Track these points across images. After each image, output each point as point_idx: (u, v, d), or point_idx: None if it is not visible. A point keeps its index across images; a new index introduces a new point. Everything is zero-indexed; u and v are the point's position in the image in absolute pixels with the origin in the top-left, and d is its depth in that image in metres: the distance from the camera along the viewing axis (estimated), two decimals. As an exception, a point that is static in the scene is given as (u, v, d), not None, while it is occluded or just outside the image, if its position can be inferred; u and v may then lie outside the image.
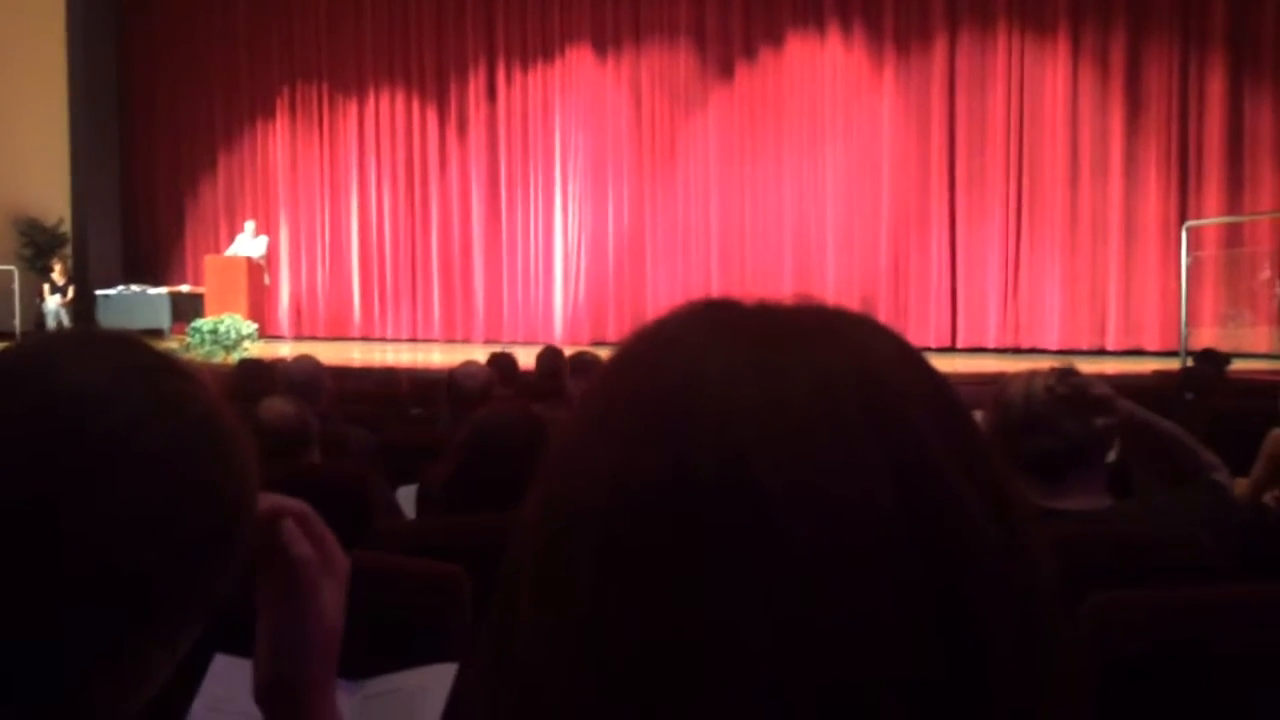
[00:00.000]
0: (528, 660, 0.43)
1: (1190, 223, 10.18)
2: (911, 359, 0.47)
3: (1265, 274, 9.99)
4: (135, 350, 0.71)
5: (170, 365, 0.71)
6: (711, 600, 0.40)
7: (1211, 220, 10.38)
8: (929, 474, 0.43)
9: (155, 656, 0.68)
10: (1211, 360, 5.86)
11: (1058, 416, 2.02)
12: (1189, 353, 9.18)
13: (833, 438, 0.42)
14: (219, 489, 0.68)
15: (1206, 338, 9.36)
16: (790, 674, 0.40)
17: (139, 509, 0.64)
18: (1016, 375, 2.16)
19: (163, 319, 12.72)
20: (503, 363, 5.85)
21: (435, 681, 1.36)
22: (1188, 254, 9.84)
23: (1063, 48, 10.98)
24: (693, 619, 0.40)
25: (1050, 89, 11.06)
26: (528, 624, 0.44)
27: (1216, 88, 10.54)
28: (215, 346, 10.59)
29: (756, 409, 0.42)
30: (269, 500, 0.77)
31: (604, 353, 6.27)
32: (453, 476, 2.36)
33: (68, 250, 13.68)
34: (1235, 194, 10.52)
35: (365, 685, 1.36)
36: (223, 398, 0.73)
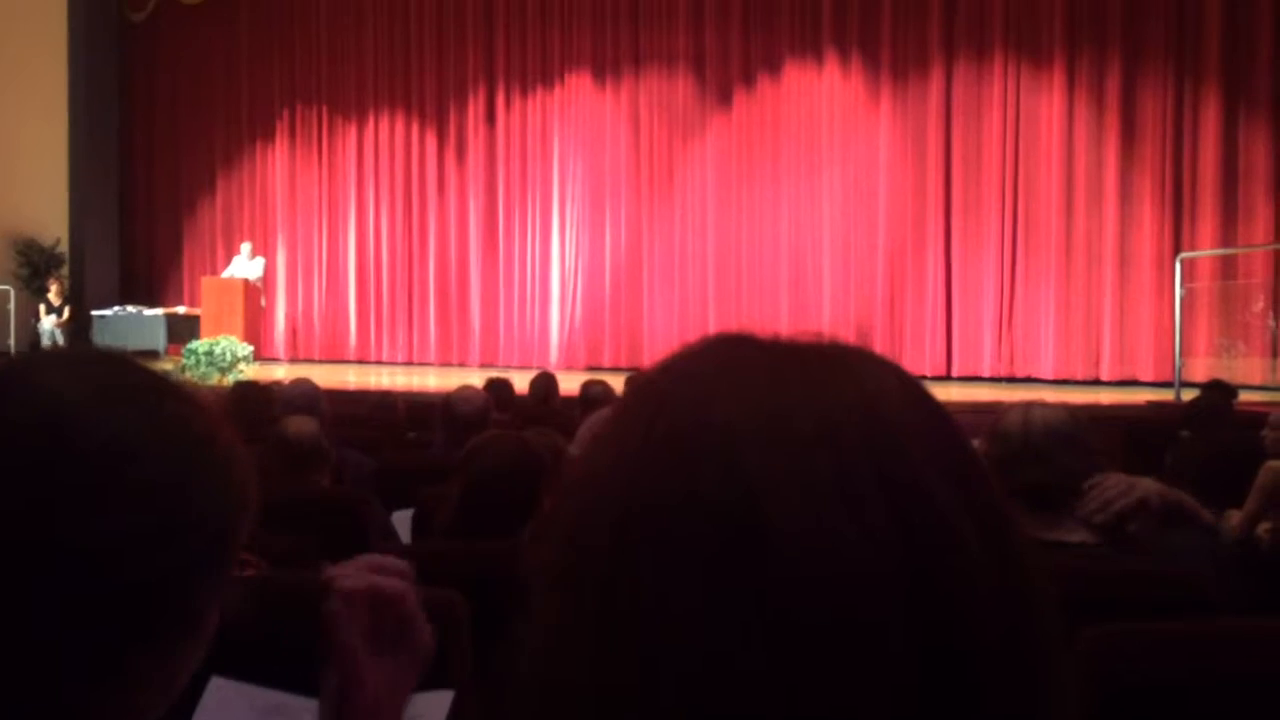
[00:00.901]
0: (549, 658, 0.46)
1: (1184, 254, 10.23)
2: (913, 393, 0.49)
3: (1259, 306, 10.03)
4: (127, 369, 0.71)
5: (163, 385, 0.71)
6: (709, 623, 0.42)
7: (1206, 252, 10.43)
8: (924, 504, 0.44)
9: (152, 673, 0.68)
10: (1220, 391, 5.86)
11: (1054, 449, 2.02)
12: (1185, 383, 9.21)
13: (832, 469, 0.44)
14: (209, 508, 0.68)
15: (1201, 369, 9.39)
16: (778, 687, 0.42)
17: (129, 525, 0.64)
18: (1013, 406, 2.16)
19: (158, 340, 12.70)
20: (499, 388, 5.85)
21: (431, 708, 1.36)
22: (1182, 285, 9.87)
23: (1058, 78, 11.06)
24: (692, 637, 0.42)
25: (1046, 119, 11.13)
26: (548, 629, 0.47)
27: (1211, 120, 10.62)
28: (210, 368, 10.58)
29: (761, 441, 0.44)
30: (355, 578, 0.78)
31: (605, 378, 6.30)
32: (455, 509, 2.36)
33: (64, 270, 13.68)
34: (1229, 226, 10.57)
35: None
36: (222, 419, 0.73)
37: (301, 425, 3.13)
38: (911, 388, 0.49)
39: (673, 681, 0.43)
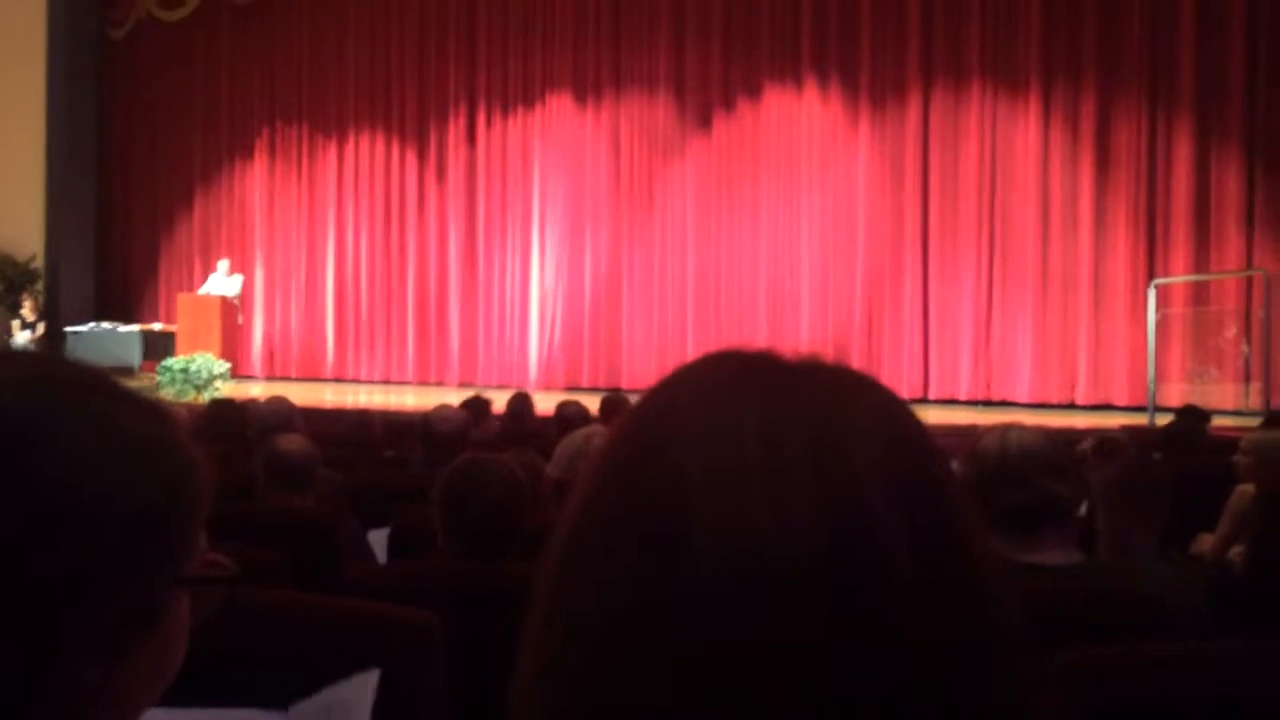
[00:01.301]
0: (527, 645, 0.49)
1: (1158, 280, 10.33)
2: (885, 411, 0.50)
3: (1231, 332, 10.13)
4: (57, 366, 0.71)
5: (96, 382, 0.70)
6: (637, 619, 0.45)
7: (1179, 278, 10.54)
8: (855, 513, 0.45)
9: (103, 685, 0.66)
10: (1193, 416, 5.91)
11: (1031, 472, 2.03)
12: (1159, 408, 9.28)
13: (769, 482, 0.45)
14: (129, 501, 0.66)
15: (1175, 394, 9.47)
16: (683, 675, 0.43)
17: (29, 514, 0.63)
18: (991, 428, 2.16)
19: (134, 356, 12.61)
20: (476, 406, 5.84)
21: (359, 690, 1.36)
22: (1156, 311, 9.97)
23: (1034, 106, 11.18)
24: (629, 630, 0.45)
25: (1022, 146, 11.24)
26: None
27: (1183, 148, 10.75)
28: (186, 386, 10.51)
29: (704, 441, 0.47)
30: None
31: (584, 398, 6.30)
32: (439, 532, 2.36)
33: (39, 286, 13.58)
34: (1202, 253, 10.69)
35: (293, 710, 1.35)
36: (169, 419, 0.72)
37: (294, 442, 3.12)
38: (886, 408, 0.50)
39: (611, 671, 0.45)
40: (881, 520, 0.45)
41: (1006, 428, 2.13)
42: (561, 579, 0.48)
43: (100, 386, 0.71)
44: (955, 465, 2.05)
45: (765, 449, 0.46)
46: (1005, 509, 2.00)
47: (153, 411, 0.71)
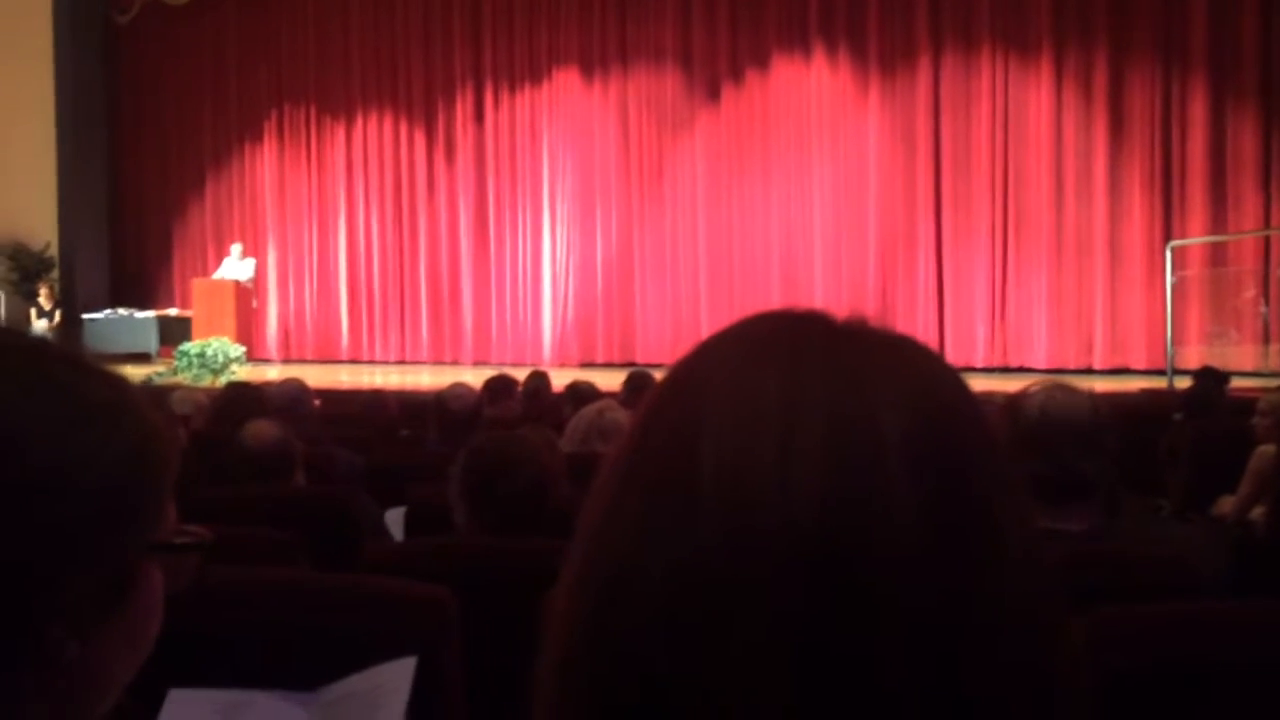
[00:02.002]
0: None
1: (1175, 242, 10.25)
2: (918, 382, 0.48)
3: (1250, 293, 10.05)
4: (10, 337, 0.70)
5: (50, 352, 0.69)
6: (636, 563, 0.45)
7: (1196, 240, 10.45)
8: (875, 496, 0.43)
9: (69, 649, 0.65)
10: (1212, 378, 5.87)
11: (1066, 447, 1.97)
12: (1178, 371, 9.23)
13: (780, 440, 0.44)
14: (86, 469, 0.65)
15: (1192, 356, 9.40)
16: (673, 624, 0.43)
17: (6, 487, 0.62)
18: (1037, 388, 2.07)
19: (150, 342, 12.67)
20: (497, 384, 5.84)
21: (394, 678, 1.36)
22: (1173, 273, 9.89)
23: (1046, 69, 11.06)
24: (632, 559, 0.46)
25: (1034, 110, 11.14)
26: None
27: (1198, 108, 10.63)
28: (203, 370, 10.55)
29: (721, 404, 0.46)
30: None
31: (598, 374, 6.30)
32: (462, 510, 2.35)
33: (55, 274, 13.64)
34: (1219, 213, 10.59)
35: (322, 693, 1.35)
36: (132, 389, 0.71)
37: (261, 432, 3.08)
38: (926, 377, 0.49)
39: (610, 616, 0.45)
40: (898, 495, 0.43)
41: (1053, 390, 2.05)
42: (582, 524, 0.49)
43: (55, 354, 0.69)
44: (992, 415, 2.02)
45: (783, 406, 0.45)
46: (1038, 478, 1.97)
47: (110, 378, 0.70)
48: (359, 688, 1.35)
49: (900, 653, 0.42)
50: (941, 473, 0.45)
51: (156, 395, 4.24)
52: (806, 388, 0.46)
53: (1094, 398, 2.11)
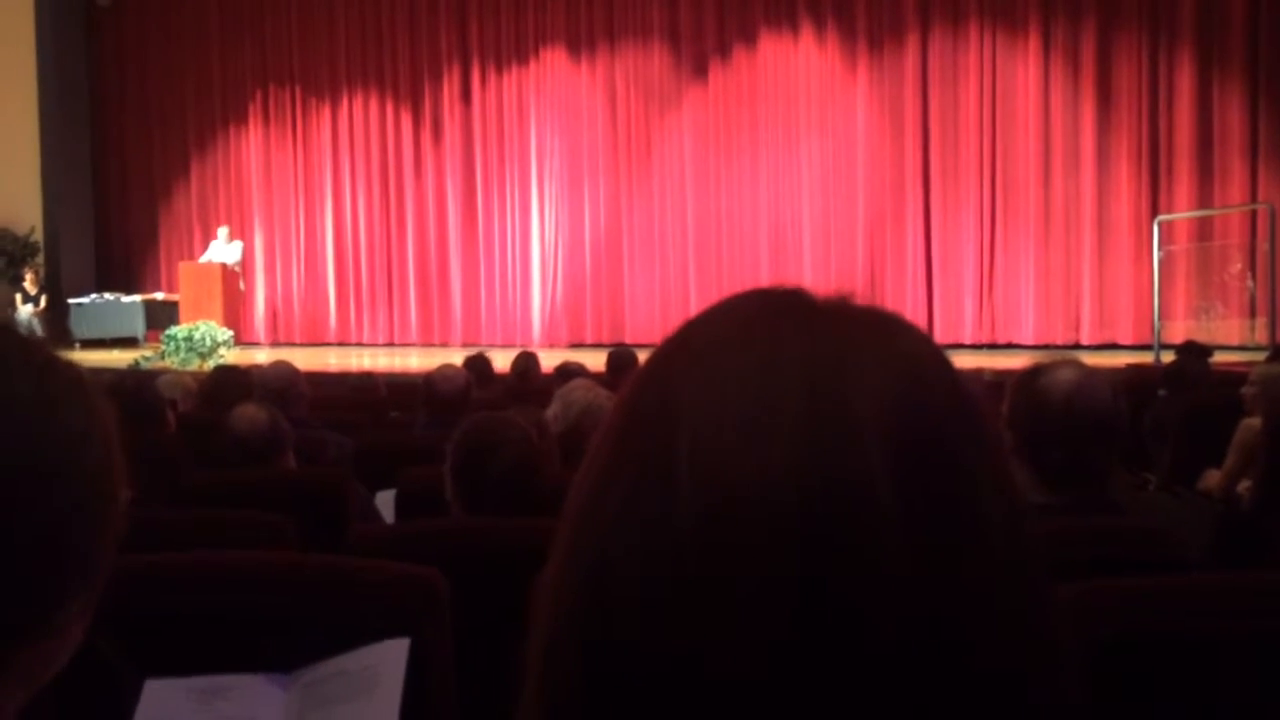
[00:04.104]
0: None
1: (1162, 217, 10.27)
2: (899, 361, 0.48)
3: (1236, 267, 10.08)
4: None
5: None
6: (616, 547, 0.45)
7: (1183, 215, 10.47)
8: (852, 476, 0.43)
9: (69, 624, 0.65)
10: (1194, 353, 5.90)
11: (1086, 441, 1.93)
12: (1164, 345, 9.26)
13: (756, 420, 0.44)
14: (86, 458, 0.64)
15: (1179, 331, 9.44)
16: (650, 608, 0.43)
17: None
18: (1059, 373, 1.99)
19: (137, 327, 12.61)
20: (478, 364, 5.84)
21: (387, 657, 1.35)
22: (1160, 248, 9.92)
23: (1034, 44, 11.05)
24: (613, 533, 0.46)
25: (1022, 85, 11.13)
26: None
27: (1186, 82, 10.64)
28: (191, 354, 10.51)
29: (699, 385, 0.46)
30: None
31: (588, 354, 6.31)
32: (452, 492, 2.35)
33: (40, 259, 13.55)
34: (1205, 188, 10.62)
35: (303, 673, 1.35)
36: (57, 371, 0.67)
37: (250, 416, 3.07)
38: (909, 356, 0.48)
39: (590, 601, 0.46)
40: (874, 470, 0.43)
41: (1081, 380, 1.97)
42: (567, 509, 0.49)
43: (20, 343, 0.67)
44: (1005, 386, 1.97)
45: (760, 386, 0.45)
46: (1041, 459, 1.95)
47: (46, 370, 0.67)
48: (349, 666, 1.35)
49: (888, 629, 0.42)
50: (919, 446, 0.45)
51: (139, 384, 4.21)
52: (783, 367, 0.46)
53: (1114, 383, 2.04)
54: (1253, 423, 3.76)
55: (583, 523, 0.47)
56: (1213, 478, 3.97)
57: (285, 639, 1.38)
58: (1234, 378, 5.66)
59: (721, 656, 0.42)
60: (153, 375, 5.44)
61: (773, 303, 0.50)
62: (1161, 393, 5.21)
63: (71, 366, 0.69)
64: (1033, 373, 2.03)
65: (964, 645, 0.43)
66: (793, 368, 0.46)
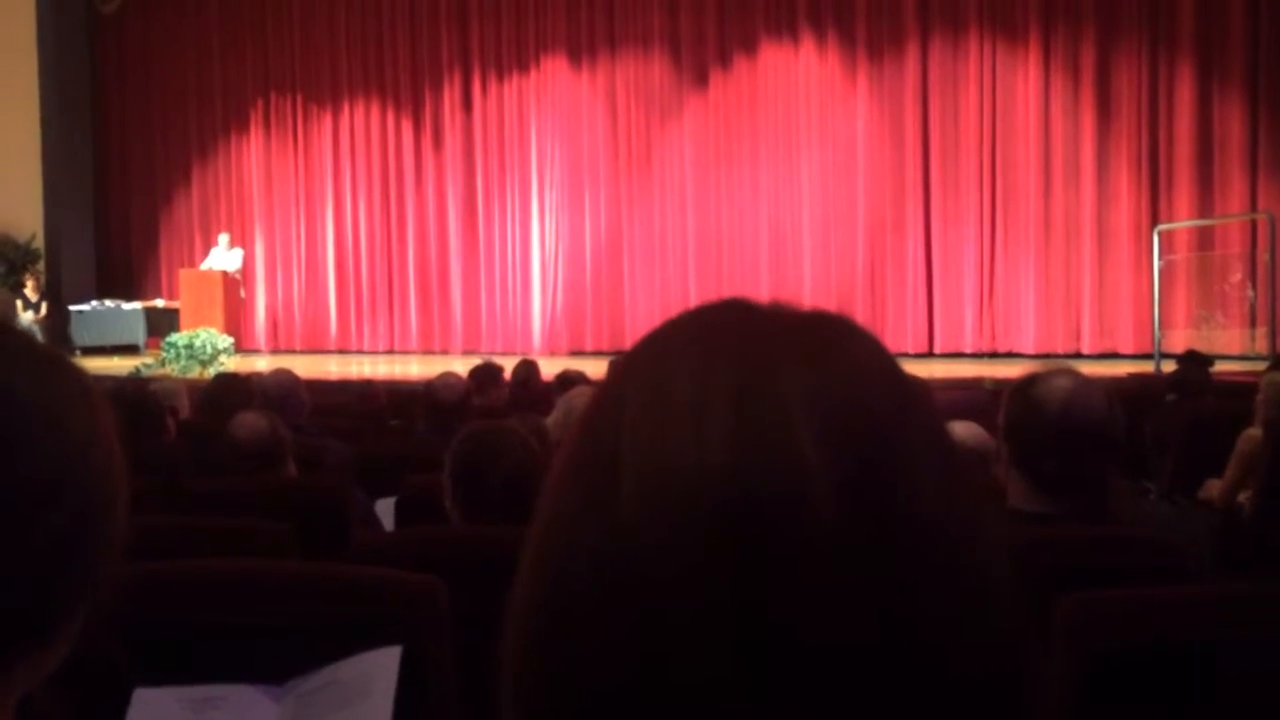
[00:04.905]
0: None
1: (1162, 226, 10.28)
2: (833, 356, 0.48)
3: (1236, 276, 10.09)
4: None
5: None
6: (567, 553, 0.46)
7: (1183, 224, 10.48)
8: (782, 465, 0.44)
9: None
10: (1196, 362, 5.90)
11: (1082, 450, 1.94)
12: (1165, 355, 9.26)
13: (691, 417, 0.45)
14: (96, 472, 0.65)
15: (1180, 340, 9.44)
16: (599, 613, 0.44)
17: None
18: (1056, 382, 1.99)
19: (137, 334, 12.62)
20: (483, 373, 5.84)
21: (380, 666, 1.36)
22: (1160, 257, 9.93)
23: (1034, 53, 11.07)
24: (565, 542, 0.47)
25: (1022, 94, 11.15)
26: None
27: (1186, 92, 10.66)
28: (191, 361, 10.51)
29: (641, 389, 0.48)
30: None
31: (588, 362, 6.31)
32: (451, 500, 2.36)
33: (40, 266, 13.56)
34: (1205, 197, 10.63)
35: (295, 683, 1.35)
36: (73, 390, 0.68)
37: (251, 423, 3.08)
38: (844, 351, 0.49)
39: (545, 608, 0.47)
40: (805, 463, 0.44)
41: (1078, 389, 1.96)
42: (534, 518, 0.50)
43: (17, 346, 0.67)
44: (1002, 394, 1.97)
45: (694, 384, 0.46)
46: (1037, 467, 1.95)
47: (54, 377, 0.67)
48: (341, 676, 1.35)
49: (825, 624, 0.43)
50: (856, 445, 0.45)
51: (139, 392, 4.21)
52: (716, 367, 0.46)
53: (1109, 391, 2.04)
54: (1254, 433, 3.76)
55: (544, 529, 0.48)
56: (1213, 488, 3.96)
57: (285, 647, 1.38)
58: (1235, 387, 5.67)
59: (680, 650, 0.43)
60: (147, 382, 5.43)
61: (715, 311, 0.51)
62: (1170, 397, 5.21)
63: (77, 372, 0.69)
64: (1028, 381, 2.03)
65: (904, 647, 0.43)
66: (725, 368, 0.46)
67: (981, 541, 0.47)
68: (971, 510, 0.47)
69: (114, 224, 14.40)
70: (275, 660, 1.38)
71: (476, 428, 2.49)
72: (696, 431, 0.45)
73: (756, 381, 0.46)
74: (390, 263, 13.34)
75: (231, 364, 10.38)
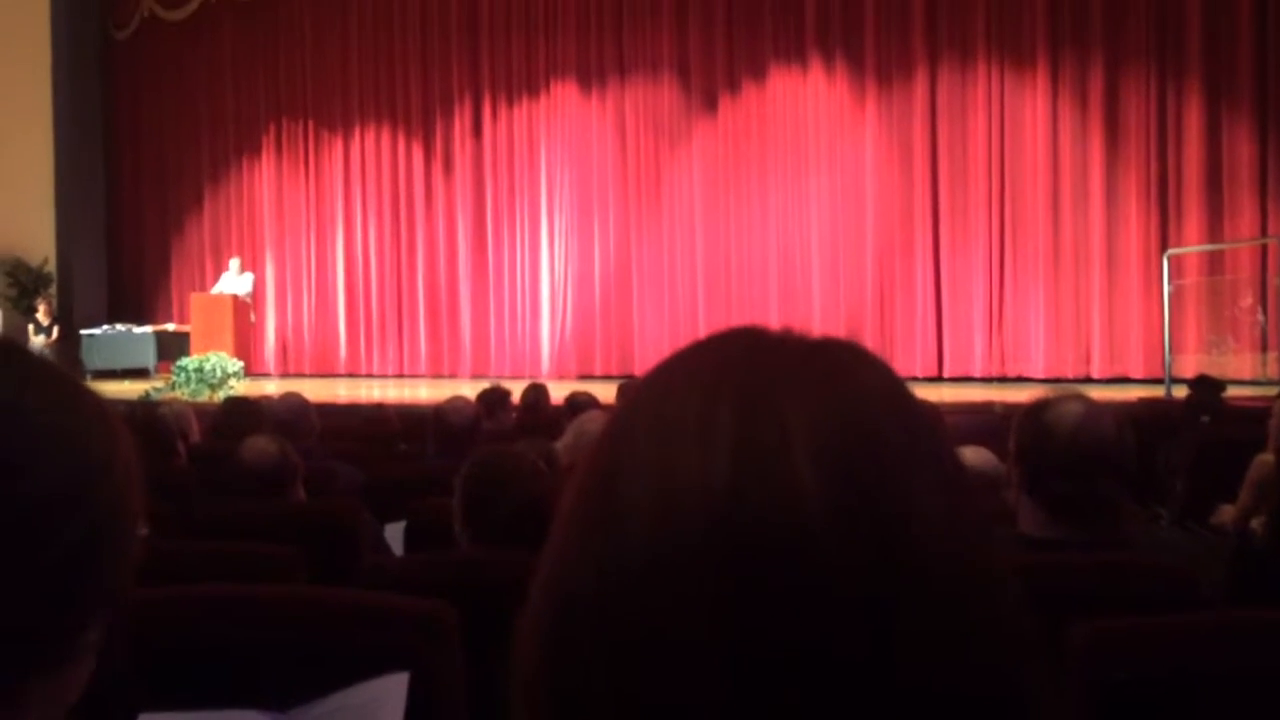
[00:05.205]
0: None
1: (1171, 251, 10.26)
2: (839, 386, 0.49)
3: (1247, 301, 10.06)
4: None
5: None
6: (575, 571, 0.47)
7: (1192, 248, 10.46)
8: (779, 483, 0.44)
9: (88, 650, 0.66)
10: (1208, 386, 5.88)
11: (1095, 474, 1.93)
12: (1175, 380, 9.23)
13: (695, 436, 0.46)
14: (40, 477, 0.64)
15: (1190, 365, 9.41)
16: (602, 632, 0.45)
17: None
18: (1067, 406, 1.99)
19: (148, 358, 12.67)
20: (492, 397, 5.84)
21: (387, 692, 1.35)
22: (1170, 282, 9.90)
23: (1042, 79, 11.10)
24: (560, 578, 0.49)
25: (1030, 120, 11.17)
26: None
27: (1194, 117, 10.66)
28: (201, 385, 10.54)
29: (649, 413, 0.49)
30: None
31: (597, 386, 6.32)
32: (461, 525, 2.36)
33: (52, 290, 13.64)
34: (1215, 222, 10.61)
35: (301, 711, 1.34)
36: (90, 404, 0.69)
37: (260, 447, 3.09)
38: (849, 376, 0.49)
39: (551, 628, 0.48)
40: (804, 492, 0.44)
41: (1089, 414, 1.96)
42: (546, 549, 0.50)
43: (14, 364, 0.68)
44: (1013, 418, 1.97)
45: (699, 408, 0.47)
46: (1048, 493, 1.94)
47: (71, 398, 0.68)
48: (349, 702, 1.35)
49: (825, 633, 0.43)
50: (853, 468, 0.45)
51: (149, 416, 4.22)
52: (721, 394, 0.47)
53: (1119, 417, 2.04)
54: (1266, 459, 3.75)
55: (554, 556, 0.49)
56: (1226, 513, 3.94)
57: (294, 673, 1.38)
58: (1247, 412, 5.64)
59: (681, 675, 0.43)
60: (156, 406, 5.45)
61: (723, 338, 0.52)
62: (1205, 419, 5.19)
63: (93, 394, 0.70)
64: (1038, 407, 2.03)
65: (900, 668, 0.43)
66: (730, 393, 0.47)
67: (986, 566, 0.47)
68: (976, 534, 0.48)
69: (126, 248, 14.48)
70: (283, 685, 1.37)
71: (486, 453, 2.49)
72: (700, 454, 0.45)
73: (759, 405, 0.46)
74: (400, 287, 13.38)
75: (241, 388, 10.41)
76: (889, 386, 0.50)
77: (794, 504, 0.44)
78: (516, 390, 6.68)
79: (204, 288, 13.23)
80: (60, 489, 0.64)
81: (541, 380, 8.20)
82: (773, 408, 0.46)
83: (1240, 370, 9.41)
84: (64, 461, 0.64)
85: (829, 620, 0.43)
